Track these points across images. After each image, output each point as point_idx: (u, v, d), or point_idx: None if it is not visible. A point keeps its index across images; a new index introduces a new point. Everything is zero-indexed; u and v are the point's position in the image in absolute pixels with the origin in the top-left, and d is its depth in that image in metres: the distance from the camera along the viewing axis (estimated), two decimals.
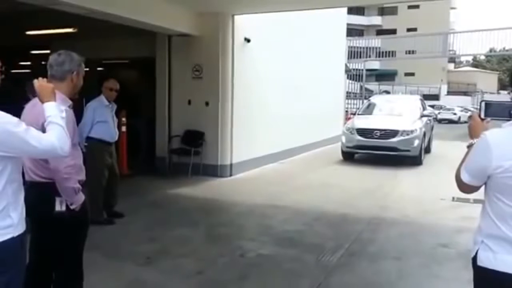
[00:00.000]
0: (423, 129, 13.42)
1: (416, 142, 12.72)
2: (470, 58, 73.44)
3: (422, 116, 14.16)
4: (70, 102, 3.26)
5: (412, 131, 12.76)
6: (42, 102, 2.77)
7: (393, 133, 12.75)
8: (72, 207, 3.22)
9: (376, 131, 12.86)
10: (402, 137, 12.64)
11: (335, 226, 7.20)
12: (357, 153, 13.76)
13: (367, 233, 6.80)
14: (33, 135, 2.47)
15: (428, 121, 15.02)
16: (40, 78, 2.86)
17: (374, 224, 7.27)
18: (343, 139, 13.71)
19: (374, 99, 17.22)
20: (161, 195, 8.89)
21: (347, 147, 13.56)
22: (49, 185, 3.15)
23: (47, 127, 2.62)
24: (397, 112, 14.28)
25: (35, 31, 11.34)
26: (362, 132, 13.11)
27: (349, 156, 13.80)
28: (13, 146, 2.42)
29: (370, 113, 14.73)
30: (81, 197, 3.29)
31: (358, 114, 15.10)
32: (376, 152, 13.12)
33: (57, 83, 3.16)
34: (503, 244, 2.21)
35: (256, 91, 11.38)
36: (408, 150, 12.64)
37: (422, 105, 15.41)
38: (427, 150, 14.85)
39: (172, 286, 4.83)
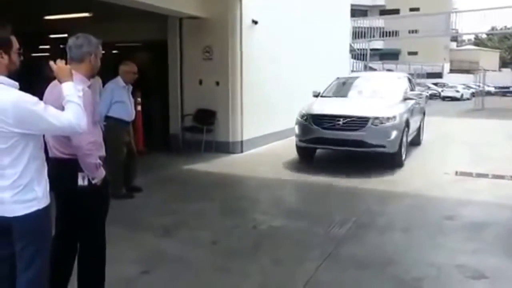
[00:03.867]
0: (406, 116, 9.65)
1: (394, 134, 9.04)
2: (472, 37, 73.33)
3: (406, 98, 10.38)
4: (89, 82, 3.38)
5: (388, 119, 9.10)
6: (61, 82, 2.89)
7: (361, 121, 9.07)
8: (94, 181, 3.32)
9: (338, 119, 9.11)
10: (373, 127, 8.98)
11: (344, 199, 7.39)
12: (315, 149, 10.15)
13: (375, 205, 6.97)
14: (51, 113, 2.61)
15: (416, 105, 11.30)
16: (58, 60, 2.97)
17: (381, 197, 7.42)
18: (296, 129, 9.89)
19: (345, 76, 13.01)
20: (176, 171, 9.14)
21: (301, 141, 9.79)
22: (72, 161, 3.25)
23: (65, 106, 2.75)
24: (371, 93, 10.78)
25: (53, 16, 11.52)
26: (319, 120, 9.37)
27: (307, 154, 10.14)
28: (33, 124, 2.57)
29: (338, 95, 11.03)
30: (102, 172, 3.38)
31: (321, 96, 10.98)
32: (338, 148, 9.63)
33: (76, 64, 3.30)
34: None
35: (263, 71, 11.57)
36: (382, 146, 9.02)
37: (410, 85, 11.92)
38: (416, 142, 11.87)
39: (189, 255, 4.99)
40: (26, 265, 2.73)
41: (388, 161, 9.35)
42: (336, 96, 10.90)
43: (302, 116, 9.73)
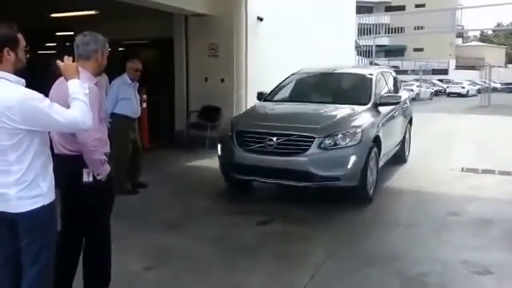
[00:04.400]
0: (375, 131, 6.83)
1: (352, 160, 6.24)
2: (477, 33, 73.21)
3: (379, 104, 7.43)
4: (95, 80, 3.40)
5: (344, 137, 6.29)
6: (67, 80, 2.89)
7: (303, 141, 6.30)
8: (98, 177, 3.34)
9: (269, 137, 6.35)
10: (321, 150, 6.21)
11: (348, 195, 7.15)
12: (240, 180, 7.17)
13: (380, 201, 6.90)
14: (57, 110, 2.62)
15: (396, 112, 8.21)
16: (65, 57, 2.98)
17: (386, 193, 7.37)
18: (219, 149, 7.16)
19: (302, 73, 8.97)
20: (181, 167, 9.15)
21: (224, 165, 7.05)
22: (77, 158, 3.27)
23: (71, 103, 2.75)
24: (331, 96, 7.96)
25: (60, 14, 11.56)
26: (244, 137, 6.62)
27: (237, 184, 7.35)
28: (38, 121, 2.58)
29: (286, 99, 8.29)
30: (107, 168, 3.41)
31: (265, 100, 8.20)
32: (270, 180, 6.80)
33: (83, 62, 3.34)
34: None
35: (268, 67, 11.46)
36: (334, 178, 6.30)
37: (391, 84, 8.99)
38: (399, 159, 9.00)
39: (193, 252, 5.00)
40: (32, 260, 2.75)
41: (353, 199, 6.70)
42: (282, 101, 8.15)
43: (226, 131, 7.07)
